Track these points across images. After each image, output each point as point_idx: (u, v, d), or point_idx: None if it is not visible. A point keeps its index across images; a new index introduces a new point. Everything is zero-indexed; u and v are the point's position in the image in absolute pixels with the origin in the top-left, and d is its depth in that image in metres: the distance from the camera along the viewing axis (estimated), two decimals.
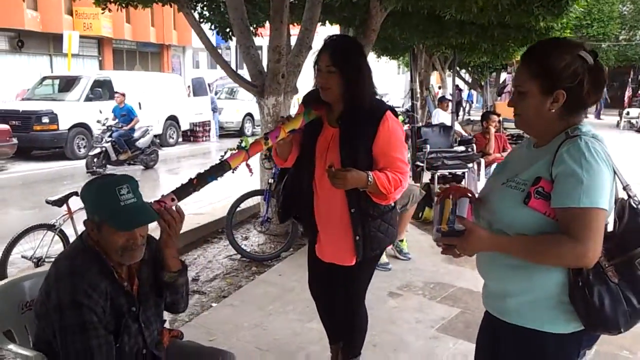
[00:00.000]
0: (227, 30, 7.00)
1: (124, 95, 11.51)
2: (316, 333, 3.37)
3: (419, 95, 14.13)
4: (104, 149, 10.78)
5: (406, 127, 10.46)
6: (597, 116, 26.43)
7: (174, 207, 1.96)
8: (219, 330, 3.59)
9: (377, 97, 2.52)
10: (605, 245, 1.57)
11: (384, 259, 4.84)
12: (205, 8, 6.99)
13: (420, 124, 8.85)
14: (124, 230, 1.81)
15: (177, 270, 2.00)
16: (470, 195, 1.76)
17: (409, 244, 5.20)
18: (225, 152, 2.27)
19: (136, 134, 11.31)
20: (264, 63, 5.62)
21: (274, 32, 5.43)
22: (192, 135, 16.60)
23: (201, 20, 6.92)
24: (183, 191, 2.05)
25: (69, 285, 1.77)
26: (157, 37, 24.56)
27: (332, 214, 2.50)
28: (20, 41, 18.33)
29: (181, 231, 1.98)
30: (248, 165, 2.35)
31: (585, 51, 1.61)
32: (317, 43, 2.73)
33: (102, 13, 6.26)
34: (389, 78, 30.65)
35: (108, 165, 10.87)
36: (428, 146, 6.95)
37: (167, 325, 2.32)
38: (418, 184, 7.03)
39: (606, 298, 1.53)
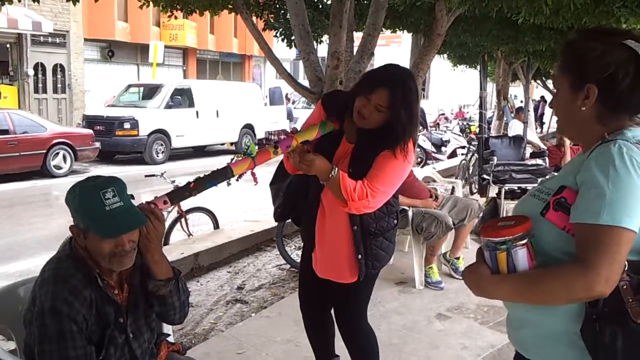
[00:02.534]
0: (292, 37, 6.94)
1: None
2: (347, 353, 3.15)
3: (494, 105, 13.53)
4: None
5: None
6: None
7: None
8: (250, 342, 3.45)
9: None
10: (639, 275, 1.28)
11: (436, 277, 4.55)
12: (271, 16, 6.97)
13: (488, 135, 8.34)
14: (108, 237, 1.69)
15: (162, 279, 1.83)
16: (524, 232, 1.33)
17: (466, 262, 4.85)
18: (232, 159, 2.14)
19: None
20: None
21: (333, 38, 5.29)
22: (267, 143, 16.73)
23: (265, 27, 6.91)
24: (178, 195, 1.93)
25: (50, 291, 1.68)
26: (239, 47, 25.15)
27: (334, 229, 2.38)
28: (111, 51, 19.33)
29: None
30: (253, 174, 2.19)
31: (634, 40, 1.31)
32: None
33: (168, 20, 6.39)
34: (470, 87, 29.74)
35: None
36: (495, 158, 6.54)
37: (171, 338, 2.21)
38: (484, 199, 6.65)
39: (620, 339, 1.21)
